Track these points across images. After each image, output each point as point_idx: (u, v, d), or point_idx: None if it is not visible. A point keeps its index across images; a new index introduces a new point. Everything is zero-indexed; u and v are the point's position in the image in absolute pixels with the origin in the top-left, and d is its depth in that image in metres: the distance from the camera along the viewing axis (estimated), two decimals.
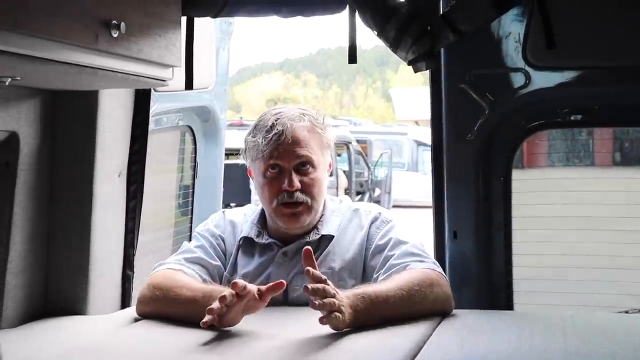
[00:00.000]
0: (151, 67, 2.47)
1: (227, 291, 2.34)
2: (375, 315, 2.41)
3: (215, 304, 2.33)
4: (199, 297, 2.50)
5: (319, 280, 2.32)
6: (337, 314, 2.30)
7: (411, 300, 2.47)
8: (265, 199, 2.75)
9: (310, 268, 2.33)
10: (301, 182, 2.70)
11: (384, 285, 2.50)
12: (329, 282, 2.35)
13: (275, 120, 2.70)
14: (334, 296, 2.31)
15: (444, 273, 2.66)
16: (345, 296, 2.36)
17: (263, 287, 2.39)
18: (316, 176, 2.73)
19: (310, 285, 2.28)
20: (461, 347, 2.27)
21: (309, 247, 2.42)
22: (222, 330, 2.40)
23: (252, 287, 2.38)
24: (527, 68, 3.09)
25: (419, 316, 2.48)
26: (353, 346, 2.25)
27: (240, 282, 2.34)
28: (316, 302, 2.27)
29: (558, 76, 3.13)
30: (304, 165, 2.71)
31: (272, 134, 2.68)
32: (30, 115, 2.67)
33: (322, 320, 2.29)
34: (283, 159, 2.69)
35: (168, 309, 2.57)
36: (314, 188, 2.72)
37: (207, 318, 2.34)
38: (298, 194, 2.69)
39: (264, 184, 2.74)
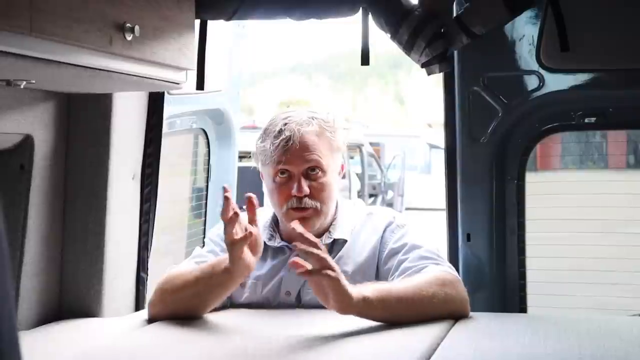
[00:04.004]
0: (165, 70, 2.48)
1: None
2: (387, 311, 2.39)
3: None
4: (199, 275, 2.53)
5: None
6: (328, 271, 2.25)
7: (428, 301, 2.46)
8: (276, 204, 2.74)
9: (298, 243, 2.28)
10: (310, 187, 2.68)
11: (400, 283, 2.50)
12: (328, 259, 2.30)
13: (284, 125, 2.69)
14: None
15: (459, 277, 2.66)
16: (357, 289, 2.34)
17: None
18: (326, 180, 2.72)
19: (297, 244, 2.26)
20: (475, 349, 2.27)
21: (300, 228, 2.36)
22: (235, 332, 2.41)
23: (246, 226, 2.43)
24: (541, 70, 3.08)
25: (434, 318, 2.47)
26: (366, 347, 2.24)
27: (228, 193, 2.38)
28: (300, 247, 2.24)
29: (572, 79, 3.12)
30: (313, 170, 2.70)
31: (280, 139, 2.67)
32: (45, 118, 2.69)
33: (305, 273, 2.25)
34: (291, 164, 2.68)
35: (177, 299, 2.56)
36: (323, 192, 2.71)
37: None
38: (307, 200, 2.68)
39: (274, 188, 2.73)
